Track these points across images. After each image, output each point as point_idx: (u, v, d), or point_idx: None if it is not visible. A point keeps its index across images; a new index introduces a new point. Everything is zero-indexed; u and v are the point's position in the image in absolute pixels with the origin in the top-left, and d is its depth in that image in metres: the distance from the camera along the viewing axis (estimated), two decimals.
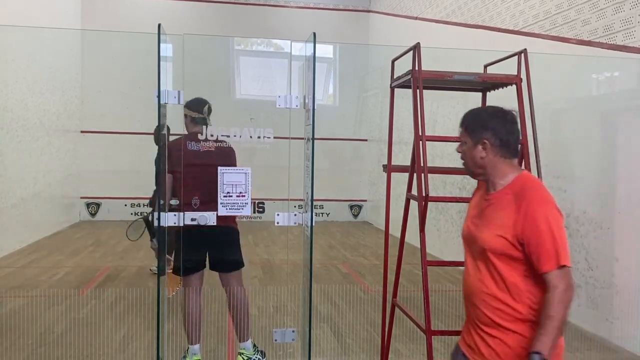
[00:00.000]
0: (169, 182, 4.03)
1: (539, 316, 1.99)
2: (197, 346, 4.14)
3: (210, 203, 3.68)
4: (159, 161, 6.90)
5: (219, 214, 3.64)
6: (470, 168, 2.21)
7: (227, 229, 4.08)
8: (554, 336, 1.93)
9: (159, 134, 6.89)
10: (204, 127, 3.87)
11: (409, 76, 3.46)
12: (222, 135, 3.87)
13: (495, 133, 2.12)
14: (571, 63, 5.71)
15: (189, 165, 3.95)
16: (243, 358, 4.26)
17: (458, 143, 2.23)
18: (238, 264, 4.25)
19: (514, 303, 2.05)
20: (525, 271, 2.04)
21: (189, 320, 4.10)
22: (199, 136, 3.82)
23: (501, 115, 2.16)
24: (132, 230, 7.12)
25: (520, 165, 3.50)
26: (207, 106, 4.14)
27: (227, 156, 4.02)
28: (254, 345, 4.35)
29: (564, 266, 1.95)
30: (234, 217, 4.07)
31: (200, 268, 4.16)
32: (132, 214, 11.60)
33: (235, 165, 4.02)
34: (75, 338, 4.79)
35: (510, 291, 2.05)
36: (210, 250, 4.16)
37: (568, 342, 5.25)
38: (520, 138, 2.20)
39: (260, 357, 4.32)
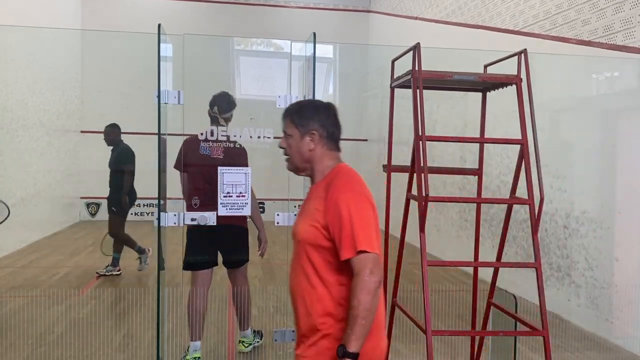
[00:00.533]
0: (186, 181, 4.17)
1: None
2: (198, 343, 4.19)
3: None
4: (114, 163, 6.89)
5: (218, 214, 3.66)
6: (296, 162, 2.14)
7: (237, 228, 4.18)
8: (360, 327, 1.84)
9: (112, 134, 6.85)
10: (214, 126, 3.96)
11: (409, 76, 3.46)
12: (222, 135, 3.88)
13: (323, 124, 2.10)
14: (571, 63, 5.71)
15: (200, 166, 4.04)
16: (244, 345, 4.51)
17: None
18: (242, 258, 4.42)
19: (327, 300, 1.97)
20: (337, 263, 1.96)
21: (193, 316, 4.15)
22: (199, 136, 3.86)
23: (325, 107, 2.15)
24: (105, 245, 7.13)
25: (520, 165, 3.49)
26: (215, 107, 4.14)
27: (238, 157, 4.13)
28: (253, 332, 4.61)
29: (364, 252, 1.88)
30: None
31: (209, 265, 4.23)
32: (132, 213, 11.57)
33: (246, 166, 4.10)
34: (75, 338, 4.79)
35: (324, 287, 1.98)
36: (220, 248, 4.27)
37: (568, 342, 5.25)
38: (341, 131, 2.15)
39: (259, 339, 4.62)
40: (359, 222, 1.92)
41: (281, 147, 2.16)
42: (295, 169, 2.17)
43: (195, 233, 4.08)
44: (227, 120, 4.15)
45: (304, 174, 2.17)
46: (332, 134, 2.12)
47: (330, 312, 1.97)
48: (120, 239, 6.99)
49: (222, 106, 4.14)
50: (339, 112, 2.17)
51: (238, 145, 4.09)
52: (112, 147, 6.99)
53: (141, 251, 7.03)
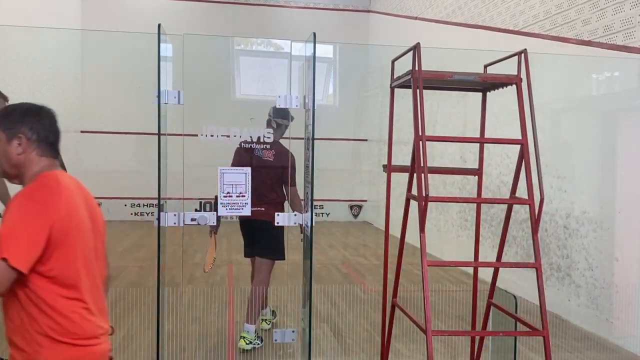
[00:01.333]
0: None
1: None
2: (267, 309, 5.02)
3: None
4: None
5: (218, 214, 3.71)
6: (5, 167, 2.05)
7: (263, 223, 4.39)
8: None
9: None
10: (268, 129, 4.19)
11: (409, 76, 3.46)
12: (221, 135, 3.89)
13: (32, 127, 2.03)
14: (571, 63, 5.71)
15: (253, 166, 4.19)
16: (245, 342, 4.57)
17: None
18: (269, 252, 4.70)
19: (15, 314, 1.92)
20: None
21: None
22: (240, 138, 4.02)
23: (37, 110, 2.10)
24: None
25: (520, 165, 3.49)
26: (272, 108, 4.54)
27: (285, 159, 4.51)
28: (255, 332, 4.68)
29: (4, 259, 1.79)
30: (274, 211, 4.41)
31: (247, 254, 4.91)
32: (131, 213, 11.61)
33: (294, 168, 4.51)
34: None
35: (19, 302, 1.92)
36: (249, 238, 4.77)
37: (568, 342, 5.25)
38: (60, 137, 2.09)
39: (259, 342, 4.70)
40: (16, 231, 1.83)
41: None
42: (5, 174, 2.07)
43: (240, 226, 4.71)
44: (278, 125, 4.51)
45: (16, 181, 2.07)
46: (45, 138, 2.05)
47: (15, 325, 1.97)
48: None
49: (277, 110, 4.45)
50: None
51: (285, 149, 4.54)
52: None
53: None
